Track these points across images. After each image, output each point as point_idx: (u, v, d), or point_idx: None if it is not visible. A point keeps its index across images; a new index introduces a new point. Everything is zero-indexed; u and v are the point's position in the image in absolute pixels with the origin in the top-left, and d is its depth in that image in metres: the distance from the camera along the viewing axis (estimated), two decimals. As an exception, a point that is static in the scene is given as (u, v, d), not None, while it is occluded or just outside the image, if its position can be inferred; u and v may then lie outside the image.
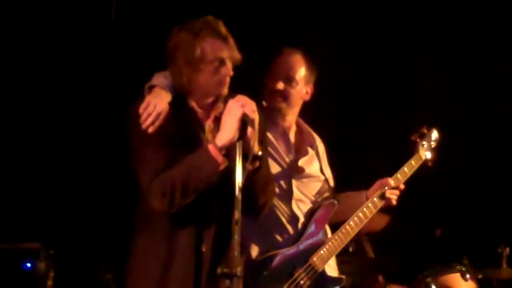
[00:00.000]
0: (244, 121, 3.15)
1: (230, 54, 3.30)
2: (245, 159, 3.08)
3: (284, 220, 3.91)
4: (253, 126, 3.14)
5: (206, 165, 3.18)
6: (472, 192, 5.33)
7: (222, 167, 3.19)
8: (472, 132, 5.29)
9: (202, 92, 3.35)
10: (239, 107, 3.16)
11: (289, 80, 3.94)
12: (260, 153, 3.18)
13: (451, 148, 4.36)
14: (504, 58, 5.32)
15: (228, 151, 3.20)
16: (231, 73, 3.32)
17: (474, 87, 5.34)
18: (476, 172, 5.34)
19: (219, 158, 3.17)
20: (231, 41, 3.31)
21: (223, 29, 3.32)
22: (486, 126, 5.34)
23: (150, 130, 3.22)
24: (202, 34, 3.28)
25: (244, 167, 3.04)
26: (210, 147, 3.18)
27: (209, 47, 3.28)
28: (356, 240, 4.55)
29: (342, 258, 4.17)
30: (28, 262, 3.61)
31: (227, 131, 3.17)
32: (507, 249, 4.68)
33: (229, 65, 3.31)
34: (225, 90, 3.33)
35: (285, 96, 3.93)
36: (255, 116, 3.17)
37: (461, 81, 5.33)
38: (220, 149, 3.17)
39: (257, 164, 3.22)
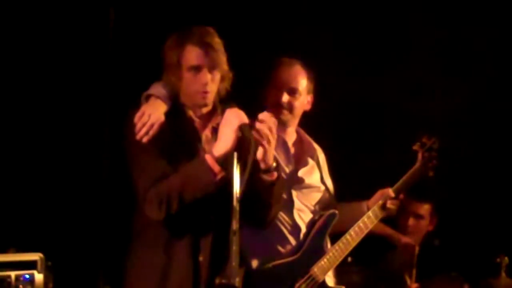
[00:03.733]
0: (242, 131, 3.03)
1: (210, 62, 3.17)
2: (243, 169, 2.96)
3: (285, 230, 3.82)
4: (250, 136, 3.00)
5: (202, 175, 3.06)
6: (470, 202, 5.20)
7: (219, 177, 3.07)
8: (471, 140, 5.17)
9: (190, 101, 3.25)
10: (236, 117, 3.04)
11: (293, 91, 3.84)
12: (274, 164, 3.11)
13: (451, 157, 4.28)
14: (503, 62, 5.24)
15: (226, 161, 3.07)
16: (208, 81, 3.18)
17: (476, 97, 5.22)
18: (475, 182, 5.21)
19: (216, 168, 3.06)
20: (214, 49, 3.17)
21: (207, 37, 3.19)
22: (486, 134, 5.22)
23: (144, 140, 3.12)
24: (182, 42, 3.18)
25: (241, 177, 2.93)
26: (207, 157, 3.07)
27: (186, 54, 3.17)
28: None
29: (342, 268, 4.05)
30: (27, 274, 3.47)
31: (224, 142, 3.04)
32: (506, 258, 4.56)
33: (206, 73, 3.17)
34: (207, 100, 3.22)
35: (290, 108, 3.84)
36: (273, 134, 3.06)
37: (463, 90, 5.22)
38: (217, 159, 3.06)
39: (275, 175, 3.13)
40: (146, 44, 4.26)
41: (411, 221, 4.73)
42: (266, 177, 3.10)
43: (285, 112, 3.82)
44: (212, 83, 3.19)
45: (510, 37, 5.20)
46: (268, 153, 3.06)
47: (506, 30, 5.19)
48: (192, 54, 3.16)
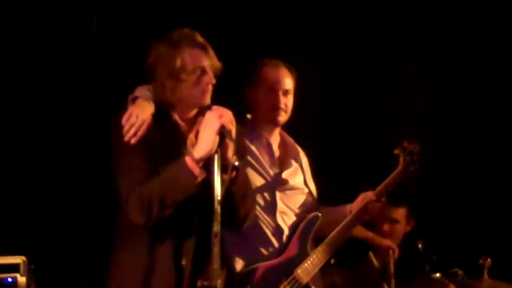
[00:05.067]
0: (222, 133, 3.01)
1: (210, 63, 3.18)
2: (223, 171, 2.95)
3: (268, 232, 3.79)
4: (231, 138, 3.01)
5: (182, 178, 3.03)
6: (453, 204, 5.16)
7: (199, 179, 3.04)
8: (451, 143, 5.16)
9: (185, 104, 3.22)
10: (217, 119, 3.03)
11: (287, 93, 3.87)
12: (236, 163, 3.04)
13: (431, 160, 4.20)
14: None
15: (207, 163, 3.04)
16: (213, 81, 3.19)
17: (458, 100, 5.20)
18: (457, 184, 5.18)
19: (196, 170, 3.03)
20: (210, 50, 3.20)
21: (201, 38, 3.20)
22: (466, 137, 5.20)
23: (133, 141, 3.09)
24: (180, 45, 3.16)
25: (222, 179, 2.92)
26: (187, 159, 3.04)
27: (188, 57, 3.15)
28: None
29: (325, 270, 4.03)
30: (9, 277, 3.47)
31: (205, 144, 3.02)
32: (489, 260, 4.46)
33: (210, 74, 3.18)
34: (207, 100, 3.20)
35: (287, 110, 3.86)
36: (232, 126, 3.04)
37: (446, 94, 5.20)
38: (197, 162, 3.03)
39: (234, 174, 3.08)
40: (130, 47, 4.26)
41: (386, 226, 4.71)
42: (226, 176, 3.00)
43: (283, 113, 3.84)
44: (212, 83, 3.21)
45: (493, 41, 5.20)
46: (231, 150, 3.04)
47: (490, 34, 5.19)
48: (194, 57, 3.14)
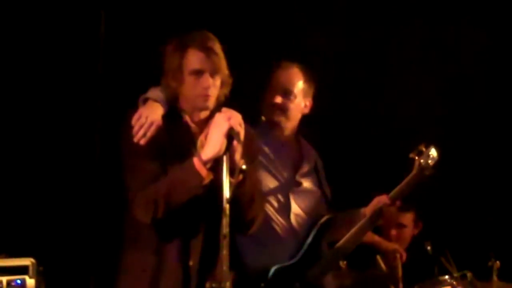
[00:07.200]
0: (230, 135, 2.96)
1: (212, 67, 3.10)
2: (230, 174, 2.90)
3: (281, 234, 3.76)
4: (239, 140, 2.96)
5: (189, 179, 2.99)
6: (461, 206, 5.13)
7: (206, 181, 3.00)
8: (460, 145, 5.11)
9: (189, 105, 3.17)
10: (226, 120, 2.97)
11: (287, 93, 3.79)
12: (244, 166, 2.97)
13: (441, 162, 4.12)
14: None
15: (215, 165, 3.00)
16: (210, 85, 3.11)
17: (465, 102, 5.21)
18: (466, 186, 5.15)
19: (203, 172, 2.98)
20: (216, 54, 3.11)
21: (209, 42, 3.13)
22: (474, 139, 5.18)
23: (142, 142, 3.05)
24: (183, 46, 3.12)
25: (229, 182, 2.87)
26: (195, 160, 2.99)
27: (188, 58, 3.10)
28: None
29: (335, 273, 4.06)
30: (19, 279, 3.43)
31: (213, 145, 2.97)
32: (497, 262, 4.42)
33: (208, 77, 3.10)
34: (208, 104, 3.14)
35: (283, 109, 3.78)
36: (240, 129, 2.99)
37: (460, 98, 5.20)
38: (205, 163, 2.98)
39: (241, 177, 3.00)
40: (138, 46, 4.26)
41: (393, 231, 4.73)
42: (232, 179, 2.94)
43: (278, 112, 3.76)
44: (213, 87, 3.12)
45: (502, 42, 5.18)
46: (239, 153, 3.00)
47: (500, 35, 5.18)
48: (194, 58, 3.09)
